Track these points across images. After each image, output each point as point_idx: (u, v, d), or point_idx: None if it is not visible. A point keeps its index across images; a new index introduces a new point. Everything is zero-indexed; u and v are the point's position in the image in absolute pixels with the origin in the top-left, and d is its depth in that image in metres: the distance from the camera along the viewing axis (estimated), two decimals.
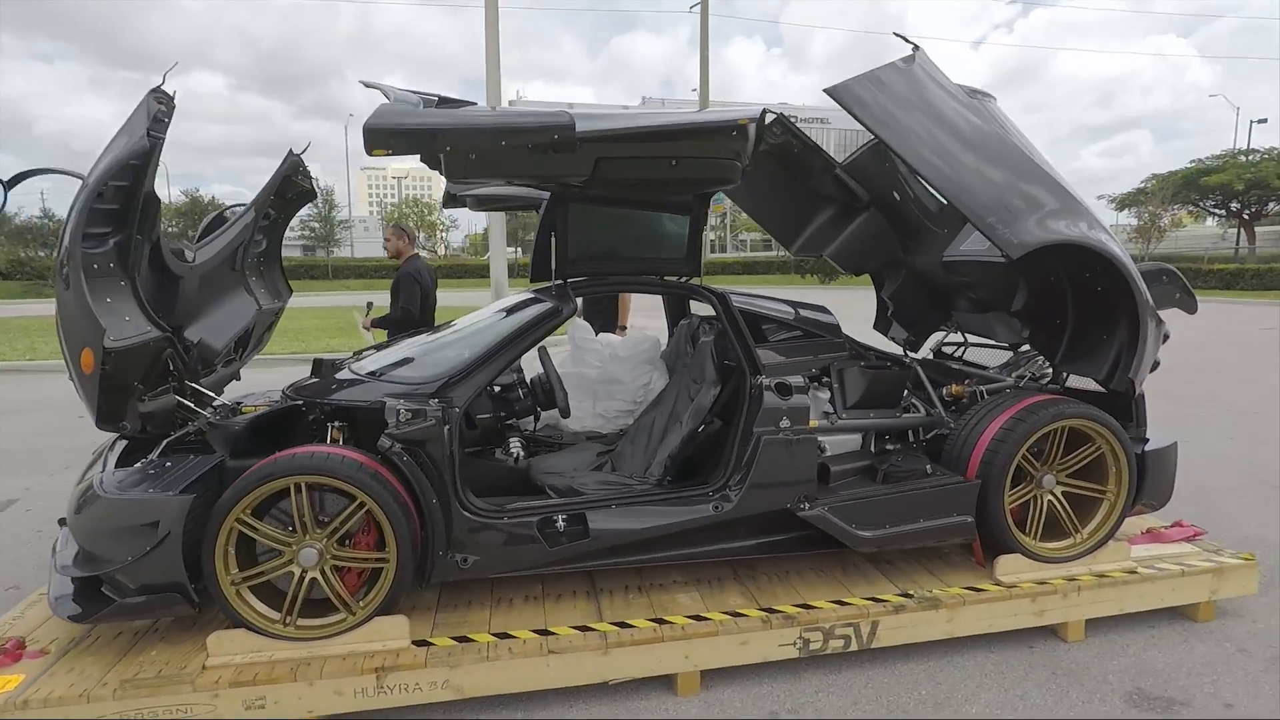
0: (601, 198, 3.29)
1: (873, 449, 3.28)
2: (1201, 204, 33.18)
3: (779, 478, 2.85)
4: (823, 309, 3.36)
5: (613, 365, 3.82)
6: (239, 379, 3.78)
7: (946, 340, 4.56)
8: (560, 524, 2.79)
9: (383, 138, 2.15)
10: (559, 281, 3.37)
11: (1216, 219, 36.10)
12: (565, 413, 3.25)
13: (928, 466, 2.98)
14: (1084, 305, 3.15)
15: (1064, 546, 3.05)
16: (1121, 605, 2.96)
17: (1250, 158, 30.71)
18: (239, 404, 3.11)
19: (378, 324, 4.98)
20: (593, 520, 2.79)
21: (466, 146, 2.29)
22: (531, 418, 3.76)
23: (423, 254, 5.61)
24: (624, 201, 3.34)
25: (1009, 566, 2.96)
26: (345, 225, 43.79)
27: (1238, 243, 32.51)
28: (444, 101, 2.63)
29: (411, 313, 4.96)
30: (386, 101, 2.32)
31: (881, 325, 4.69)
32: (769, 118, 4.00)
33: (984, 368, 4.08)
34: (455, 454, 2.72)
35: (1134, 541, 3.26)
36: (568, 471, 3.19)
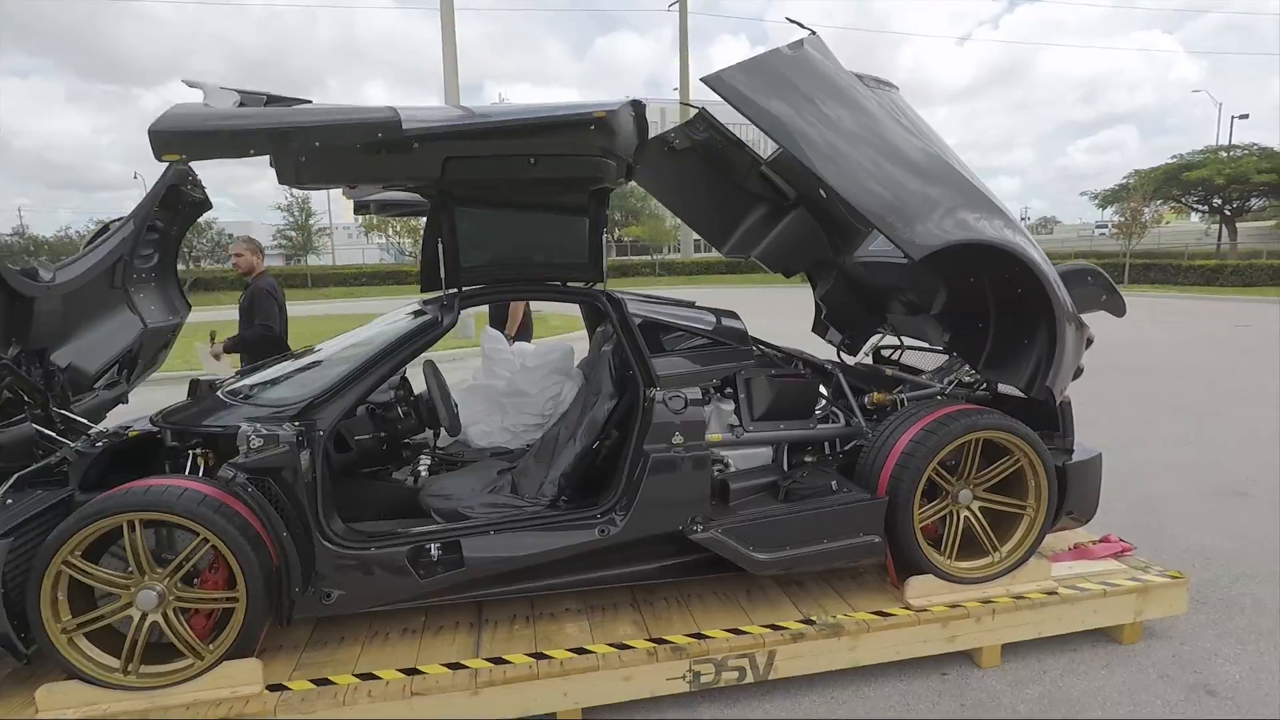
0: (486, 200, 3.10)
1: (785, 463, 3.10)
2: (1183, 200, 33.20)
3: (669, 498, 2.66)
4: (731, 314, 3.18)
5: (521, 376, 3.62)
6: (126, 402, 3.57)
7: (883, 344, 4.40)
8: (433, 553, 2.60)
9: (170, 142, 1.96)
10: (452, 291, 3.18)
11: (1200, 215, 36.17)
12: (452, 430, 3.05)
13: (833, 483, 2.80)
14: (1005, 309, 2.98)
15: (981, 566, 2.87)
16: (1039, 629, 2.78)
17: (1231, 153, 30.74)
18: (125, 429, 2.90)
19: (230, 348, 4.67)
20: (468, 548, 2.59)
21: (280, 150, 2.10)
22: (432, 434, 3.56)
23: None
24: (512, 204, 3.14)
25: (921, 588, 2.78)
26: (324, 233, 43.45)
27: (1219, 239, 32.52)
28: (272, 100, 2.42)
29: (272, 329, 4.68)
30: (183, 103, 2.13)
31: (818, 328, 4.52)
32: (690, 113, 3.85)
33: (919, 372, 3.91)
34: (318, 480, 2.52)
35: (1058, 559, 3.08)
36: (458, 493, 3.00)
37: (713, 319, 3.12)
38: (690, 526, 2.65)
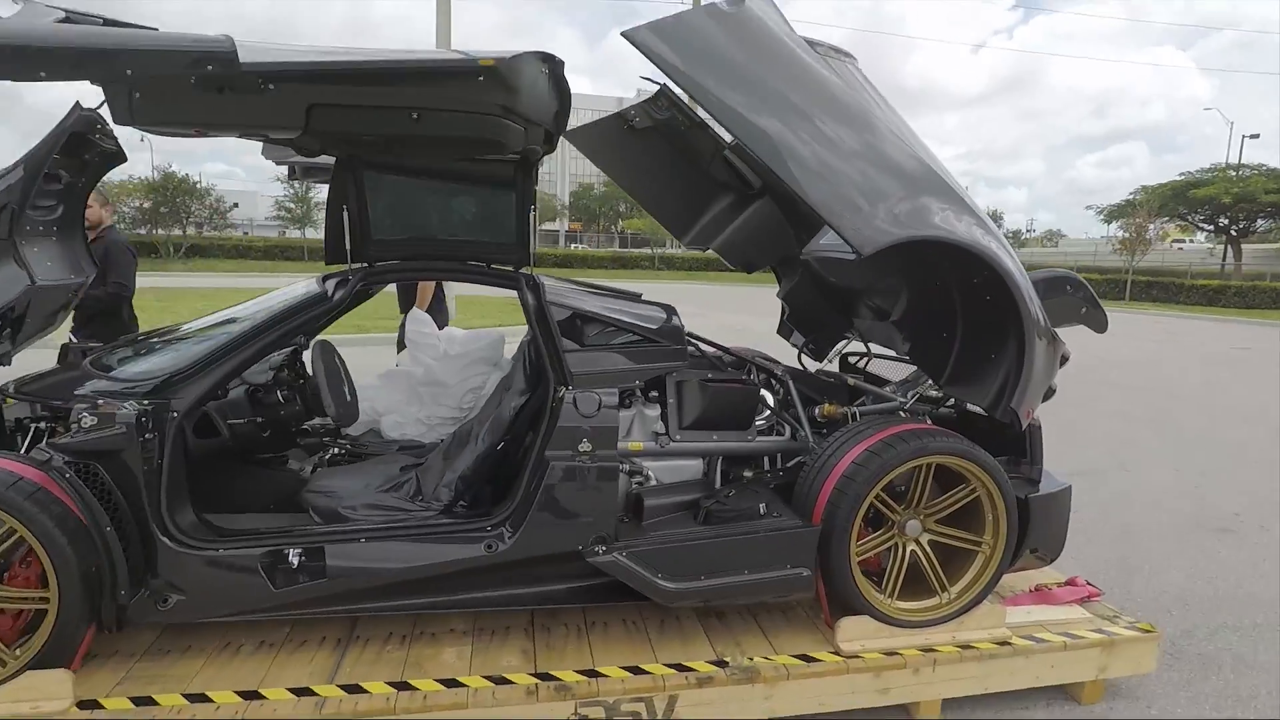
0: (397, 165, 2.74)
1: (718, 478, 2.75)
2: (1189, 218, 32.82)
3: (568, 513, 2.32)
4: (666, 309, 2.83)
5: (441, 365, 3.27)
6: (7, 364, 3.21)
7: (851, 350, 4.06)
8: (293, 559, 2.25)
9: None
10: (359, 266, 2.84)
11: (1205, 234, 35.77)
12: (340, 419, 2.70)
13: (761, 505, 2.45)
14: (971, 318, 2.63)
15: (926, 608, 2.53)
16: (985, 684, 2.44)
17: (1240, 172, 30.32)
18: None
19: (78, 307, 4.17)
20: (333, 556, 2.25)
21: (103, 77, 1.74)
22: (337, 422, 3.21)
23: None
24: (427, 172, 2.79)
25: (854, 631, 2.44)
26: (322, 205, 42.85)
27: (1224, 259, 32.17)
28: (111, 25, 2.04)
29: (126, 289, 4.15)
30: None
31: (783, 329, 4.17)
32: (653, 89, 3.48)
33: (885, 382, 3.56)
34: (164, 468, 2.18)
35: (1015, 602, 2.74)
36: (346, 490, 2.65)
37: (647, 314, 2.76)
38: (590, 547, 2.30)
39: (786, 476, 2.75)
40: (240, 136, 2.04)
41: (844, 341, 4.03)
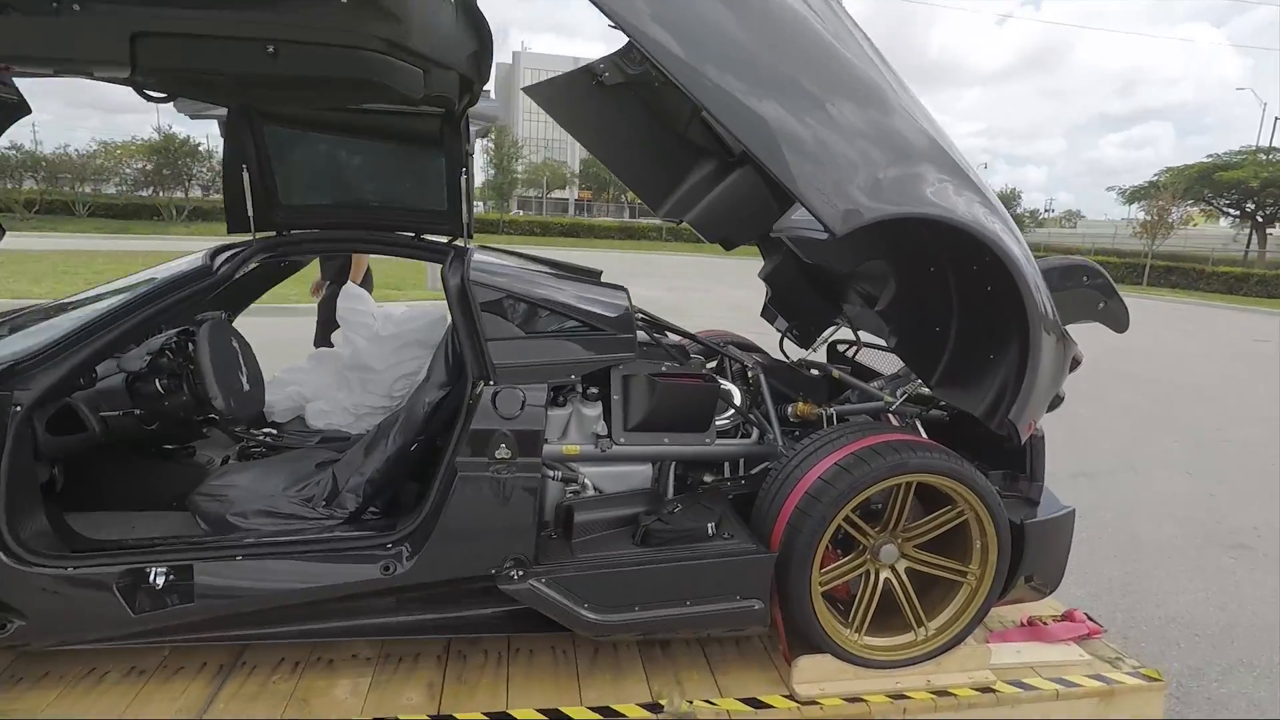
0: (301, 118, 2.38)
1: (670, 486, 2.41)
2: (1215, 202, 31.86)
3: (478, 530, 1.99)
4: (615, 290, 2.46)
5: (370, 347, 2.92)
6: None
7: (840, 339, 3.69)
8: (156, 579, 1.94)
9: None
10: (268, 235, 2.49)
11: (1230, 219, 34.77)
12: (225, 410, 2.36)
13: (711, 524, 2.11)
14: (970, 310, 2.26)
15: (899, 645, 2.20)
16: None
17: (1271, 156, 29.30)
18: None
19: None
20: (203, 576, 1.93)
21: None
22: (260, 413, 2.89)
23: None
24: (338, 126, 2.42)
25: (813, 672, 2.11)
26: None
27: (1248, 245, 31.26)
28: None
29: None
30: None
31: (767, 313, 3.80)
32: (624, 40, 3.08)
33: (876, 376, 3.20)
34: (3, 471, 1.85)
35: (1004, 637, 2.41)
36: (245, 492, 2.32)
37: (593, 297, 2.40)
38: (504, 571, 1.97)
39: (751, 485, 2.40)
40: (59, 74, 1.68)
41: (833, 328, 3.67)
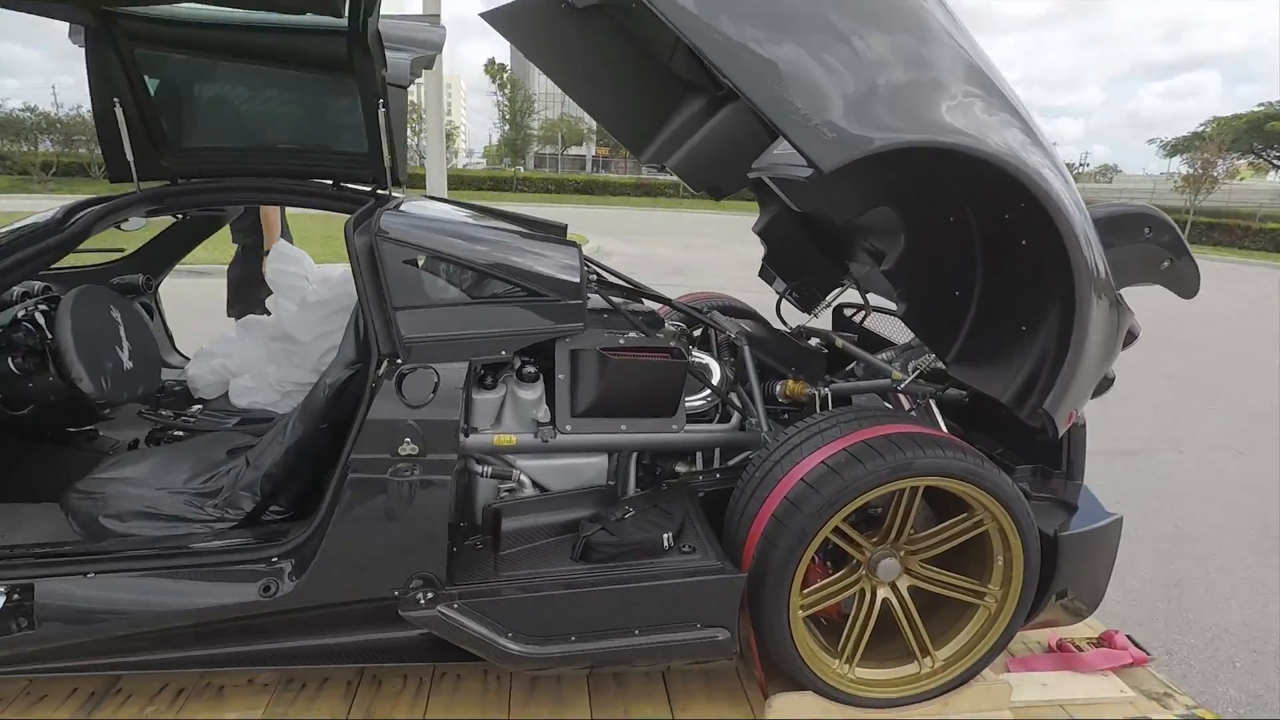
0: (175, 38, 1.96)
1: (631, 482, 2.03)
2: (1265, 154, 30.22)
3: (374, 544, 1.62)
4: (564, 246, 2.04)
5: (297, 316, 2.54)
6: None
7: (847, 302, 3.25)
8: None
9: None
10: (157, 185, 2.11)
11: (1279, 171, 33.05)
12: (101, 396, 2.00)
13: (665, 536, 1.72)
14: (999, 270, 1.82)
15: (899, 680, 1.82)
16: None
17: None
18: None
19: None
20: (45, 598, 1.59)
21: None
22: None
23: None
24: (219, 49, 2.00)
25: (792, 711, 1.74)
26: None
27: None
28: None
29: None
30: None
31: (765, 273, 3.37)
32: None
33: (887, 345, 2.78)
34: None
35: (1027, 665, 2.01)
36: (130, 486, 1.97)
37: (532, 254, 1.98)
38: (408, 593, 1.61)
39: (726, 480, 2.01)
40: None
41: (839, 290, 3.23)
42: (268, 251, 3.58)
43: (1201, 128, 30.53)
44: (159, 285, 2.96)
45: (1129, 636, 2.08)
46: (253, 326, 2.75)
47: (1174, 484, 3.97)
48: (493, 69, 54.62)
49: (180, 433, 2.52)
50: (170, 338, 3.09)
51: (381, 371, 1.68)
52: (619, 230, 17.59)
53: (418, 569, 1.62)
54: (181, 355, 3.06)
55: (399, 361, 1.69)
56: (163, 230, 2.87)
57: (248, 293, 3.51)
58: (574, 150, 64.49)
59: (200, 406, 2.70)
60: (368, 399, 1.67)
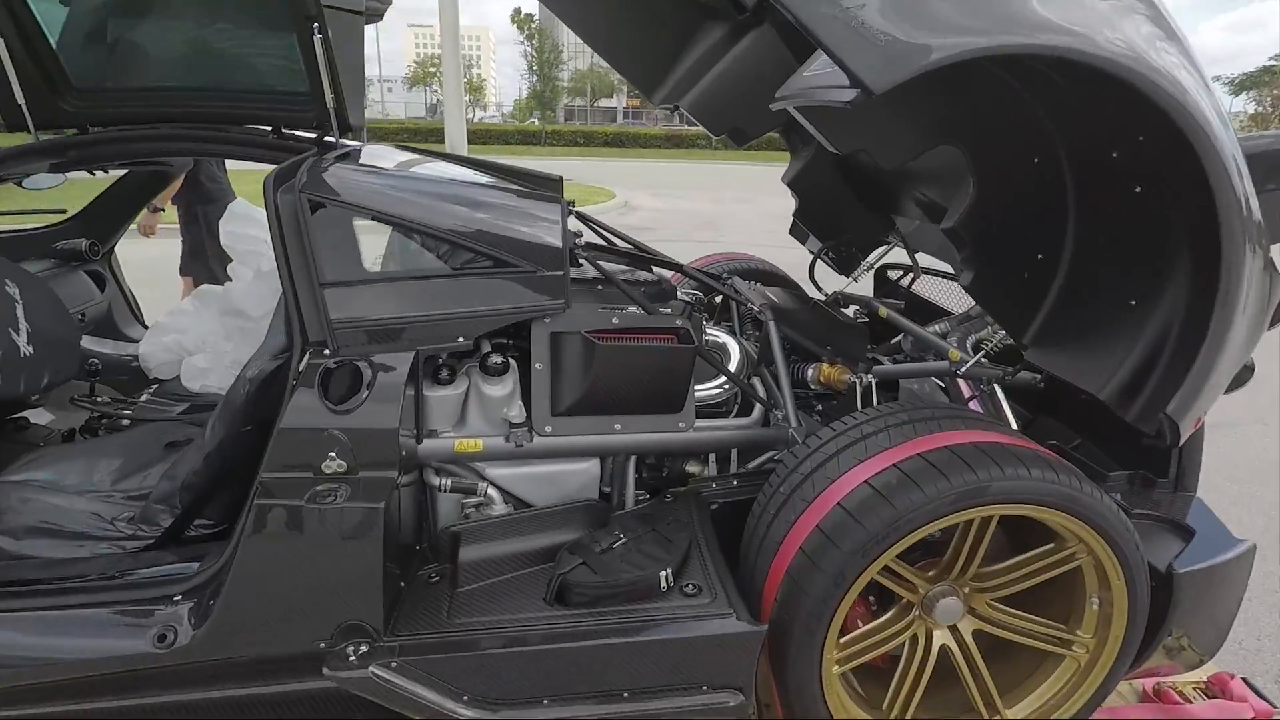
0: None
1: (629, 492, 1.67)
2: None
3: (290, 585, 1.29)
4: (545, 203, 1.65)
5: (250, 287, 2.20)
6: None
7: (890, 262, 2.81)
8: None
9: None
10: (67, 135, 1.77)
11: None
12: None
13: (663, 574, 1.35)
14: (1100, 227, 1.39)
15: None
16: None
17: None
18: None
19: None
20: None
21: None
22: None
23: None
24: None
25: None
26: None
27: None
28: None
29: None
30: None
31: (796, 230, 2.95)
32: None
33: (943, 314, 2.37)
34: None
35: (1117, 715, 1.63)
36: (22, 495, 1.66)
37: (504, 213, 1.60)
38: (336, 648, 1.28)
39: (746, 488, 1.63)
40: None
41: (882, 249, 2.80)
42: (159, 208, 3.23)
43: (1272, 61, 28.38)
44: (111, 250, 2.65)
45: (1246, 681, 1.68)
46: (208, 297, 2.42)
47: (1265, 465, 3.49)
48: (520, 18, 53.25)
49: (126, 422, 2.24)
50: (133, 308, 2.80)
51: (303, 366, 1.33)
52: (650, 185, 16.93)
53: (347, 616, 1.28)
54: (144, 328, 2.77)
55: (326, 353, 1.34)
56: (108, 187, 2.54)
57: (200, 253, 3.22)
58: (604, 102, 63.08)
59: (154, 389, 2.41)
60: (286, 402, 1.32)
